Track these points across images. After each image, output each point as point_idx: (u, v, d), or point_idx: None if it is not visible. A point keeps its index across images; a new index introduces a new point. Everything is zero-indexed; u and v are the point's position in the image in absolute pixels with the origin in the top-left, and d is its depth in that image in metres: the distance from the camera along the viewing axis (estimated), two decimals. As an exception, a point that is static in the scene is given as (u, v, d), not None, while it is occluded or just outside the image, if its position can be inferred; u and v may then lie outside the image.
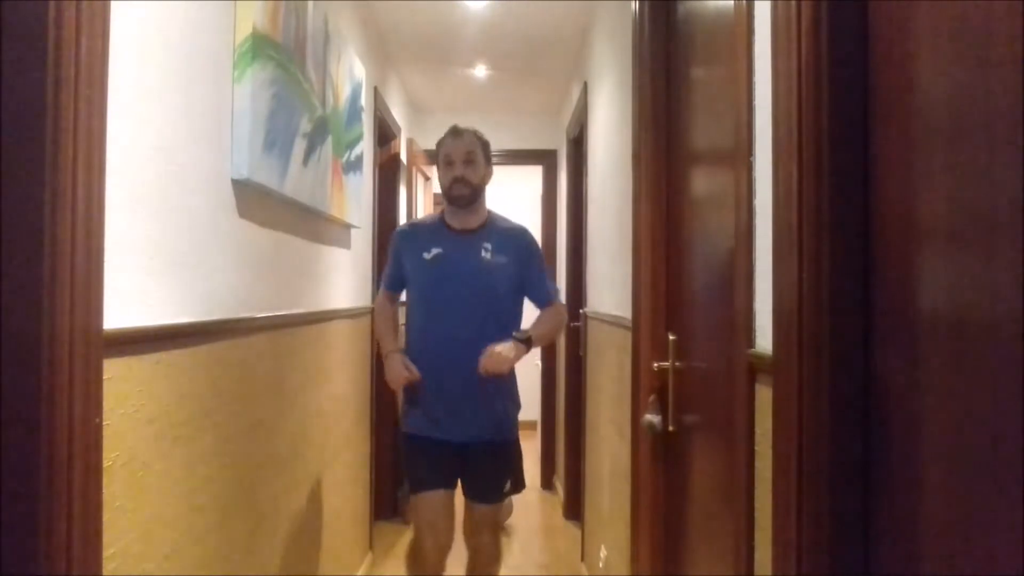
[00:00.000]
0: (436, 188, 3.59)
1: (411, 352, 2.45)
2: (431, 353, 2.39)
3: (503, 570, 2.77)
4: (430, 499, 2.41)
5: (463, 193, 2.41)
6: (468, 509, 2.53)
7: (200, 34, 1.58)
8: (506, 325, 2.39)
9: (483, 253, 2.39)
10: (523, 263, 2.45)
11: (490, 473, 2.49)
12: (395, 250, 2.56)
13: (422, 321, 2.43)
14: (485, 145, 2.48)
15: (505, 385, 2.42)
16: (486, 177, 2.49)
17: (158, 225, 1.37)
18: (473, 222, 2.46)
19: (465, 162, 2.40)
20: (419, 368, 2.38)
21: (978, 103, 0.72)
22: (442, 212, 2.53)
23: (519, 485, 2.59)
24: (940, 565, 0.77)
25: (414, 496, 2.47)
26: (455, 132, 2.46)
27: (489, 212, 2.52)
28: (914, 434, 0.82)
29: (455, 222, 2.46)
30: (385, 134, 4.20)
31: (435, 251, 2.40)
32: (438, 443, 2.39)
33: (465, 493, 2.51)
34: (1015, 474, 0.64)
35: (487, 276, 2.38)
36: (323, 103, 2.47)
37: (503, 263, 2.39)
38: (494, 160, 2.57)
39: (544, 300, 2.54)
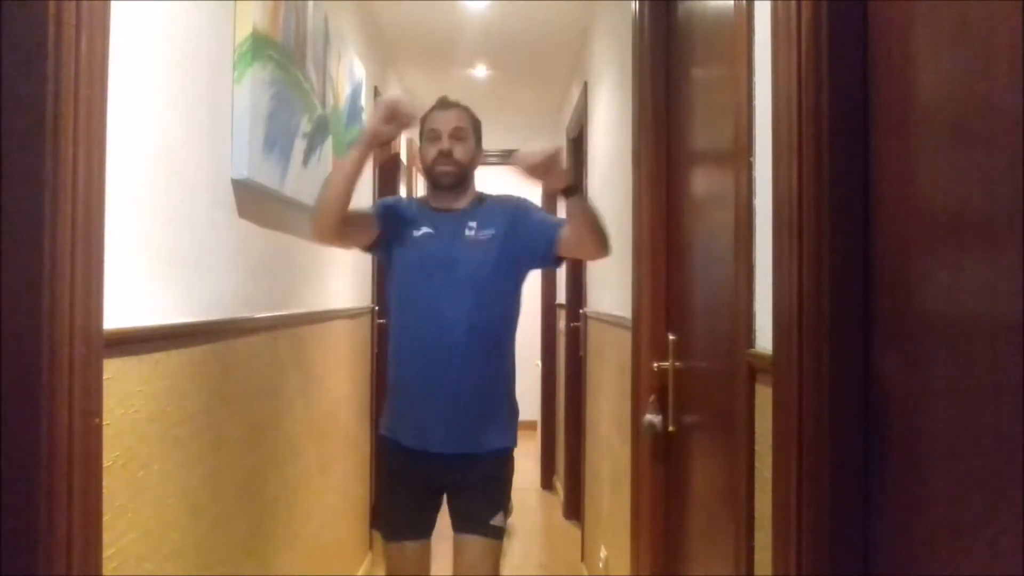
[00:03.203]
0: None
1: (393, 346, 2.16)
2: (417, 346, 2.08)
3: (503, 570, 2.64)
4: (404, 553, 2.09)
5: (447, 171, 2.11)
6: (458, 550, 2.09)
7: (200, 34, 1.58)
8: (500, 313, 2.13)
9: (467, 232, 2.12)
10: (516, 222, 2.14)
11: (480, 494, 2.08)
12: (384, 211, 2.22)
13: (406, 309, 2.13)
14: (477, 124, 2.20)
15: (503, 383, 2.14)
16: (475, 159, 2.20)
17: (158, 225, 1.37)
18: (459, 204, 2.17)
19: (453, 136, 2.12)
20: (403, 365, 2.11)
21: (978, 103, 0.72)
22: (424, 197, 2.29)
23: (507, 511, 2.15)
24: (940, 565, 0.77)
25: (386, 544, 2.14)
26: (444, 104, 2.18)
27: (478, 193, 2.23)
28: (914, 433, 0.82)
29: (439, 204, 2.18)
30: (385, 134, 4.19)
31: (424, 230, 2.13)
32: (417, 459, 2.07)
33: (453, 526, 2.12)
34: (1016, 474, 0.64)
35: (472, 258, 2.09)
36: (323, 103, 2.47)
37: (489, 237, 2.11)
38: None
39: (558, 225, 2.12)
